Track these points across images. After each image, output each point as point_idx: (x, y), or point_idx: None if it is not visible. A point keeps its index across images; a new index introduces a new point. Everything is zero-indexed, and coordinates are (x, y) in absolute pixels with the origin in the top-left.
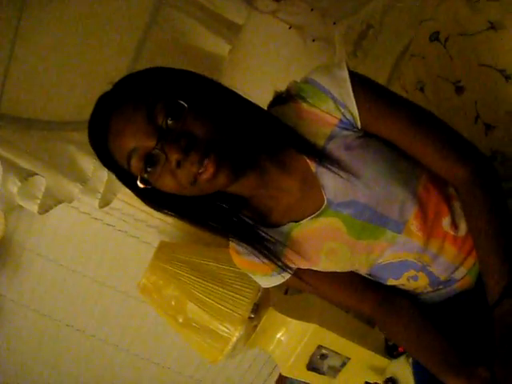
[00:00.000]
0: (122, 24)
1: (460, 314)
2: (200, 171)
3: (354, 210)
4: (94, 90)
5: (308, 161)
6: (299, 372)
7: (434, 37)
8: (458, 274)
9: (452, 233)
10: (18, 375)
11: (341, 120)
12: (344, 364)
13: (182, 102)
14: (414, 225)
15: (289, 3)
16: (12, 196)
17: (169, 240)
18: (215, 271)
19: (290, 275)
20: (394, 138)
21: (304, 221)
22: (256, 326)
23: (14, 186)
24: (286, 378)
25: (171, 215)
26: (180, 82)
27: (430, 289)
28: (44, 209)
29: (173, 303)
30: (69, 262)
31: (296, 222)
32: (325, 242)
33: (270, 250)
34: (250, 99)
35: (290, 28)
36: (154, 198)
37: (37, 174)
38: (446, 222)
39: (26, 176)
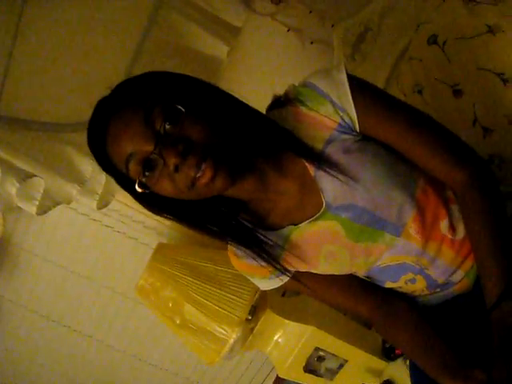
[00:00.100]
0: (121, 26)
1: (457, 317)
2: (198, 175)
3: (352, 213)
4: (93, 91)
5: (307, 164)
6: (296, 374)
7: (432, 40)
8: (456, 277)
9: (450, 236)
10: (15, 375)
11: (339, 124)
12: (341, 366)
13: (179, 107)
14: (412, 228)
15: (287, 6)
16: (10, 197)
17: (167, 242)
18: (213, 273)
19: (288, 278)
20: (393, 141)
21: (303, 224)
22: (253, 328)
23: (12, 188)
24: (284, 379)
25: (170, 219)
26: (177, 86)
27: (427, 291)
28: (42, 210)
29: (170, 305)
30: (67, 262)
31: (295, 225)
32: (323, 245)
33: (268, 253)
34: (247, 102)
35: (288, 30)
36: (152, 201)
37: (35, 176)
38: (443, 225)
39: (24, 177)
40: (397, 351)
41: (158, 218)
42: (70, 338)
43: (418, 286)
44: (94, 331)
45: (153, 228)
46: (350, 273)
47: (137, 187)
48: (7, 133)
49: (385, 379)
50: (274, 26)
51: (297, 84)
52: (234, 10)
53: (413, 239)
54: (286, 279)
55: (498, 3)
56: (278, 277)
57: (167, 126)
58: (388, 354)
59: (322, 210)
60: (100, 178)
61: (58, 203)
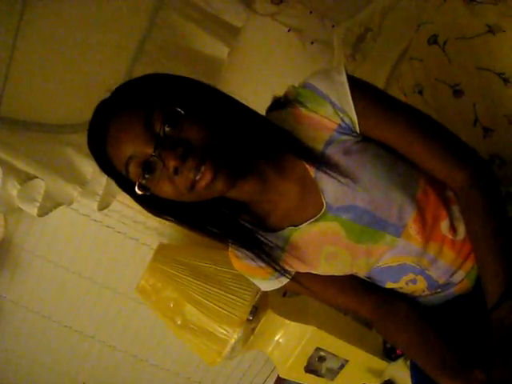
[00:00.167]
0: (122, 26)
1: (458, 317)
2: (197, 178)
3: (353, 214)
4: (94, 92)
5: (307, 166)
6: (297, 374)
7: (433, 40)
8: (456, 278)
9: (450, 236)
10: (16, 376)
11: (339, 125)
12: (342, 366)
13: (178, 109)
14: (412, 228)
15: (288, 6)
16: (12, 199)
17: (168, 242)
18: (214, 273)
19: (288, 280)
20: (393, 142)
21: (303, 225)
22: (254, 328)
23: (13, 189)
24: (285, 380)
25: (170, 221)
26: (177, 88)
27: (428, 292)
28: (43, 211)
29: (171, 305)
30: (68, 263)
31: (295, 226)
32: (324, 246)
33: (268, 255)
34: (248, 103)
35: (288, 31)
36: (152, 203)
37: (36, 177)
38: (444, 225)
39: (25, 179)
40: (398, 351)
41: (158, 218)
42: (72, 339)
43: (418, 287)
44: (95, 332)
45: (154, 229)
46: (350, 273)
47: (137, 189)
48: (8, 134)
49: (386, 379)
50: (274, 27)
51: (296, 85)
52: (235, 11)
53: (413, 240)
54: (285, 281)
55: (499, 3)
56: (278, 278)
57: (167, 129)
58: (389, 354)
59: (322, 211)
60: (101, 179)
61: (58, 204)
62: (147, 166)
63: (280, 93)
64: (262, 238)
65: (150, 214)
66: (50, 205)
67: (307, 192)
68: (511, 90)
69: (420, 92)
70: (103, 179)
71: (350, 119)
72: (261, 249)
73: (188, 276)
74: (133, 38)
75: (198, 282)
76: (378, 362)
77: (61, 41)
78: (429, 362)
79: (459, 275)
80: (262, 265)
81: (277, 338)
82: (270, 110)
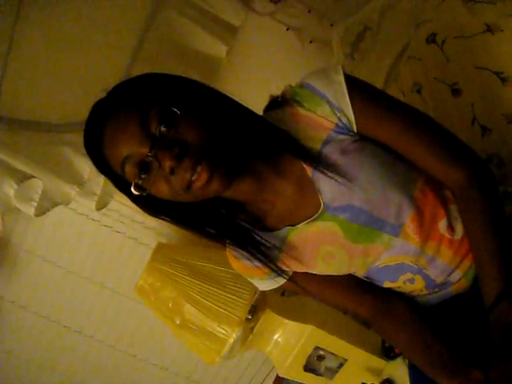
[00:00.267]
0: (120, 25)
1: (456, 317)
2: (193, 178)
3: (350, 214)
4: (92, 91)
5: (304, 165)
6: (296, 373)
7: (431, 39)
8: (454, 277)
9: (448, 236)
10: (15, 376)
11: (337, 124)
12: (341, 365)
13: (174, 109)
14: (410, 228)
15: (286, 5)
16: (8, 198)
17: (166, 241)
18: (212, 273)
19: (285, 280)
20: (391, 141)
21: (300, 225)
22: (253, 328)
23: (10, 189)
24: (284, 379)
25: (167, 221)
26: (173, 88)
27: (426, 291)
28: (41, 211)
29: (170, 305)
30: (66, 263)
31: (292, 226)
32: (321, 246)
33: (265, 255)
34: (246, 102)
35: (287, 30)
36: (149, 203)
37: (33, 177)
38: (442, 224)
39: (22, 178)
40: (396, 350)
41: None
42: (70, 339)
43: (416, 286)
44: (94, 331)
45: (152, 228)
46: (348, 273)
47: (133, 190)
48: (5, 133)
49: (384, 378)
50: (273, 26)
51: (294, 84)
52: (233, 10)
53: (411, 239)
54: (283, 281)
55: (497, 2)
56: (275, 278)
57: (163, 129)
58: (388, 353)
59: (319, 211)
60: (98, 179)
61: (56, 204)
62: (143, 166)
63: (278, 92)
64: (259, 238)
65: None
66: (47, 204)
67: (304, 192)
68: (509, 89)
69: (418, 91)
70: (101, 178)
71: (348, 119)
72: (258, 249)
73: (187, 275)
74: (131, 37)
75: (197, 282)
76: (376, 361)
77: (58, 39)
78: (427, 362)
79: (457, 274)
80: (259, 265)
81: (276, 337)
82: (267, 109)
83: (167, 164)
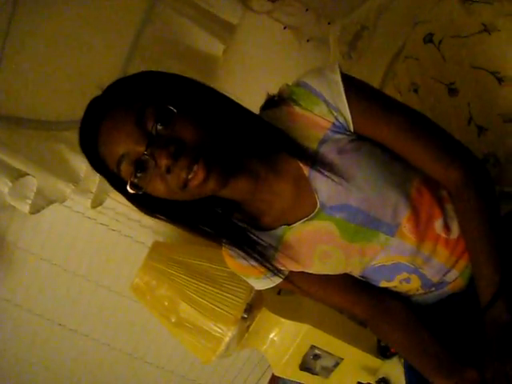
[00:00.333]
0: (116, 23)
1: (452, 316)
2: (190, 177)
3: (347, 213)
4: (88, 89)
5: (301, 164)
6: (292, 372)
7: (428, 38)
8: (450, 277)
9: (444, 235)
10: (9, 375)
11: (333, 124)
12: (337, 364)
13: (171, 107)
14: (406, 227)
15: (284, 3)
16: (3, 196)
17: (162, 240)
18: (208, 271)
19: (281, 279)
20: (387, 141)
21: (297, 224)
22: (249, 327)
23: (4, 186)
24: (279, 378)
25: (163, 220)
26: (170, 86)
27: (422, 291)
28: (35, 209)
29: (166, 303)
30: (62, 261)
31: (289, 225)
32: (318, 245)
33: (261, 254)
34: (243, 101)
35: (284, 28)
36: (145, 202)
37: (28, 174)
38: (438, 224)
39: (17, 176)
40: (392, 349)
41: None
42: (66, 337)
43: (412, 286)
44: (89, 330)
45: (148, 226)
46: (344, 273)
47: (129, 188)
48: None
49: (380, 377)
50: (270, 24)
51: (290, 83)
52: (231, 8)
53: (407, 239)
54: (279, 280)
55: (494, 2)
56: (271, 277)
57: (159, 127)
58: (383, 353)
59: (316, 211)
60: (94, 177)
61: (51, 202)
62: (139, 165)
63: (275, 91)
64: (255, 238)
65: None
66: (42, 202)
67: (301, 191)
68: (506, 89)
69: (415, 90)
70: (97, 176)
71: (344, 118)
72: (254, 248)
73: (183, 274)
74: (127, 35)
75: (193, 280)
76: (372, 360)
77: (54, 37)
78: (422, 361)
79: (453, 274)
80: (255, 264)
81: (271, 336)
82: (264, 108)
83: (163, 162)
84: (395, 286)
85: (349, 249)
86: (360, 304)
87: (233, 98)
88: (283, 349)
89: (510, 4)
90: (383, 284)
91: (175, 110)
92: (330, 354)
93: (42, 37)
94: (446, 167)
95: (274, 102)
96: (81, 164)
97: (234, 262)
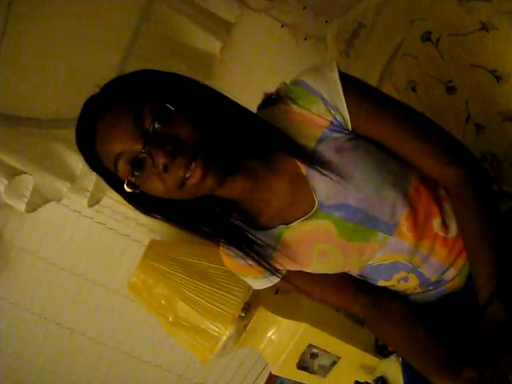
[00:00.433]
0: (113, 21)
1: (450, 315)
2: (187, 175)
3: (345, 212)
4: (84, 87)
5: (299, 163)
6: (289, 371)
7: (426, 36)
8: (448, 275)
9: (442, 234)
10: (6, 374)
11: (331, 122)
12: (334, 363)
13: (168, 106)
14: (404, 226)
15: (281, 1)
16: None
17: (159, 238)
18: (206, 270)
19: (279, 279)
20: (385, 139)
21: (295, 223)
22: (246, 325)
23: (0, 185)
24: (277, 376)
25: (159, 219)
26: (167, 85)
27: (420, 290)
28: (32, 207)
29: (163, 302)
30: (59, 260)
31: (286, 224)
32: (316, 244)
33: (259, 254)
34: (240, 99)
35: (282, 26)
36: (142, 201)
37: (24, 173)
38: (436, 223)
39: (13, 174)
40: (390, 348)
41: None
42: (63, 336)
43: (410, 285)
44: (86, 329)
45: (145, 225)
46: (342, 272)
47: (125, 187)
48: None
49: (378, 376)
50: (267, 22)
51: (288, 82)
52: (228, 6)
53: (405, 238)
54: (276, 279)
55: (493, 0)
56: (269, 277)
57: (156, 125)
58: (381, 351)
59: (314, 209)
60: (91, 175)
61: (47, 200)
62: (136, 163)
63: (272, 89)
64: (253, 237)
65: None
66: (38, 201)
67: (299, 190)
68: (504, 87)
69: (413, 88)
70: (93, 175)
71: (342, 116)
72: (251, 247)
73: (180, 273)
74: (125, 33)
75: (190, 279)
76: (370, 359)
77: (51, 34)
78: (420, 360)
79: (451, 273)
80: (253, 263)
81: (269, 334)
82: (261, 106)
83: (161, 161)
84: (393, 285)
85: (347, 248)
86: (358, 303)
87: (230, 96)
88: (281, 347)
89: (509, 2)
90: (381, 283)
91: (172, 108)
92: (327, 352)
93: (38, 35)
94: (443, 166)
95: (271, 101)
96: (77, 162)
97: (232, 261)
